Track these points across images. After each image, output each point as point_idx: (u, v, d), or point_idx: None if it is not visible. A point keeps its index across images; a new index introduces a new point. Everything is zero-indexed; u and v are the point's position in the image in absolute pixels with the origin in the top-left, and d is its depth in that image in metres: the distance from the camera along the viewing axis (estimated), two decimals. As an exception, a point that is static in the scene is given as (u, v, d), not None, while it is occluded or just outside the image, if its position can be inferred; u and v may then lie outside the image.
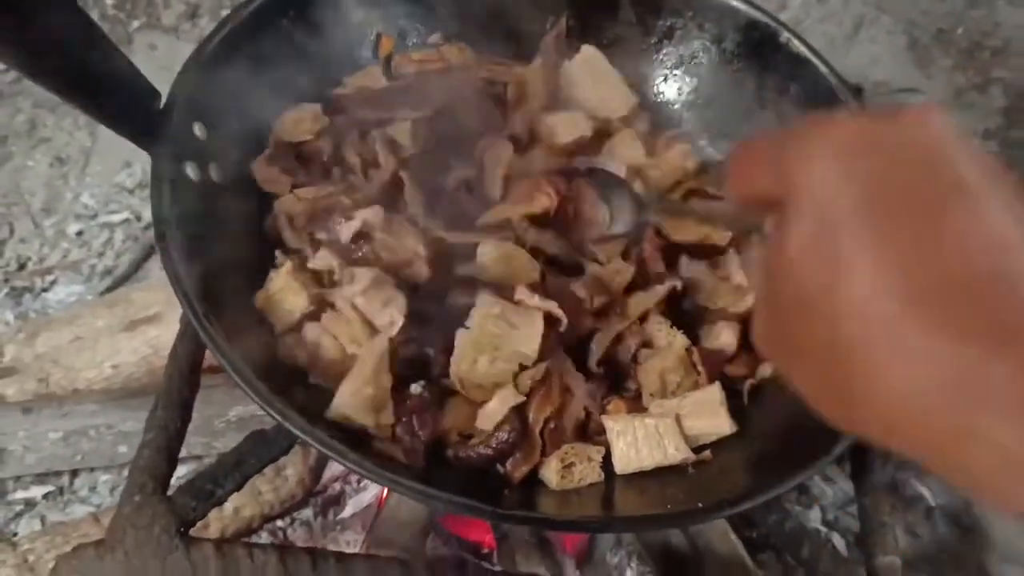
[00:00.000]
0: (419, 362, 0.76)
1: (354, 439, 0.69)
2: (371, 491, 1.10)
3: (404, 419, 0.72)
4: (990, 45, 1.69)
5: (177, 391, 0.78)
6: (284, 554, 0.70)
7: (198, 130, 0.78)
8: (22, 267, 1.33)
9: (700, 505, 0.67)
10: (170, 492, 0.73)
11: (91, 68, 0.68)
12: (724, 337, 0.82)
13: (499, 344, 0.73)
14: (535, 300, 0.75)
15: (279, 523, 1.09)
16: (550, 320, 0.75)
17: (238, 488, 0.76)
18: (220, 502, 0.75)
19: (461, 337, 0.73)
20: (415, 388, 0.74)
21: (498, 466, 0.73)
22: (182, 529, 0.71)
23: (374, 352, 0.71)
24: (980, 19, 1.72)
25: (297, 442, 0.82)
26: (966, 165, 0.37)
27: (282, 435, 0.80)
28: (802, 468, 0.69)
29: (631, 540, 1.05)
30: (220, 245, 0.76)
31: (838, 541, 1.14)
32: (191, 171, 0.76)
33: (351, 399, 0.69)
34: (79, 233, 1.37)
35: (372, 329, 0.75)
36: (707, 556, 0.96)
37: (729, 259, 0.86)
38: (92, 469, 1.11)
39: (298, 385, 0.74)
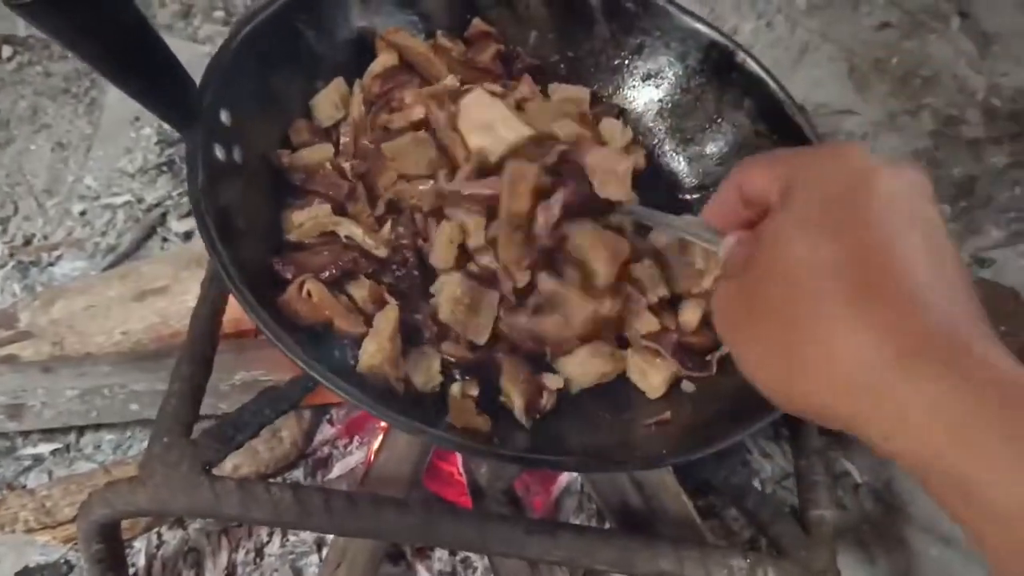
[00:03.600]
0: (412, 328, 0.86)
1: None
2: (356, 455, 1.19)
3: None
4: (921, 74, 1.85)
5: (200, 349, 0.87)
6: (298, 491, 0.79)
7: (224, 117, 0.86)
8: (27, 243, 1.40)
9: (664, 451, 0.79)
10: (194, 437, 0.82)
11: (140, 56, 0.77)
12: (688, 314, 0.91)
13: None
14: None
15: (272, 481, 1.17)
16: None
17: (255, 435, 0.85)
18: (239, 446, 0.84)
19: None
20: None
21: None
22: (207, 468, 0.80)
23: (389, 320, 0.80)
24: (913, 51, 1.89)
25: (305, 400, 0.92)
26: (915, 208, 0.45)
27: (293, 390, 0.89)
28: (750, 424, 0.80)
29: (591, 502, 1.16)
30: (243, 218, 0.84)
31: (775, 511, 1.25)
32: (219, 152, 0.84)
33: (377, 354, 0.78)
34: (82, 213, 1.44)
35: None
36: (660, 516, 1.08)
37: (694, 248, 0.96)
38: (98, 428, 1.18)
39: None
